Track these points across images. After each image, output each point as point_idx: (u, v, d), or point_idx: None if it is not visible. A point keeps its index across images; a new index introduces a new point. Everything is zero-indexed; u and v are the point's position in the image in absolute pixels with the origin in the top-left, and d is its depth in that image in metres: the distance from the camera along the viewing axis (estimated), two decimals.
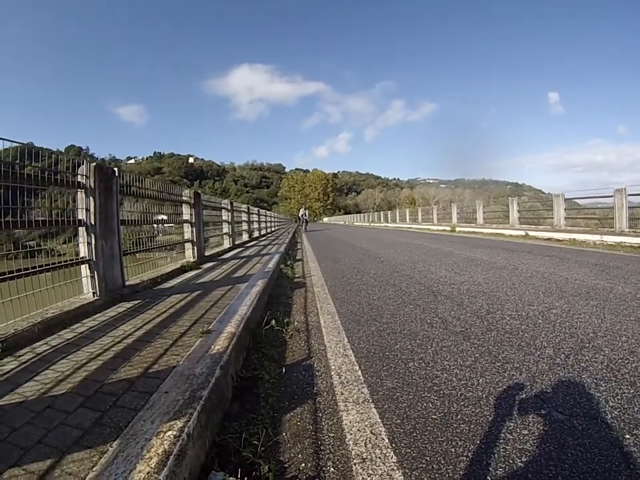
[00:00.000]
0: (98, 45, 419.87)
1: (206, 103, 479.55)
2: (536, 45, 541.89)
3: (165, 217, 7.37)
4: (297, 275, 7.17)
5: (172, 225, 7.76)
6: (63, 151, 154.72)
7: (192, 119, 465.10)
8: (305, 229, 31.69)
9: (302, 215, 34.12)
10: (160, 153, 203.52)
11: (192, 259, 7.55)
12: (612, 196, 13.35)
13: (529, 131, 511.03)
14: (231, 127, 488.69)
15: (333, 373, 2.64)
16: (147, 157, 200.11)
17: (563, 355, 2.84)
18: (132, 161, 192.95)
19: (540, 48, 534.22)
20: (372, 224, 49.76)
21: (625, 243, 11.03)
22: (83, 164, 4.18)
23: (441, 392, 2.34)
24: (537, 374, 2.54)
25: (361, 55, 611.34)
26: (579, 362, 2.71)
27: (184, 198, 7.78)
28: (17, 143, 3.40)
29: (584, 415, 2.05)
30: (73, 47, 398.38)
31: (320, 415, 2.14)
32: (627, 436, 1.86)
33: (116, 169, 4.73)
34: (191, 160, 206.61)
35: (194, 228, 7.86)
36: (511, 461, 1.70)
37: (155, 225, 6.74)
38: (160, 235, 7.53)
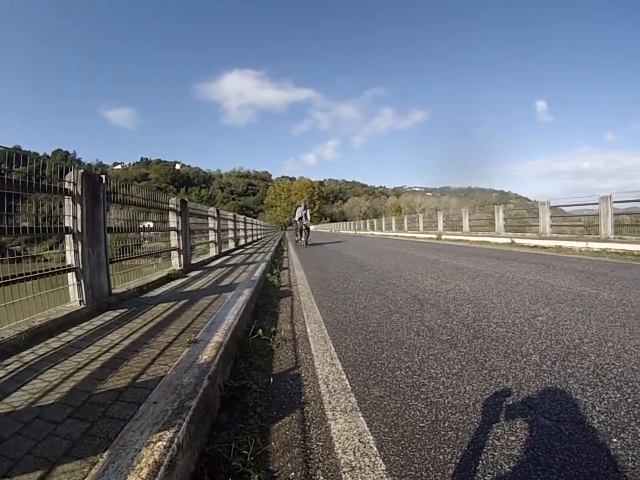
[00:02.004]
0: (90, 46, 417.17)
1: (196, 108, 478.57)
2: (524, 54, 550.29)
3: (151, 224, 7.35)
4: (283, 284, 7.17)
5: (158, 232, 7.73)
6: (50, 155, 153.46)
7: (181, 123, 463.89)
8: (305, 241, 19.19)
9: (300, 219, 19.56)
10: (147, 159, 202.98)
11: (178, 267, 7.53)
12: (597, 203, 13.58)
13: (516, 139, 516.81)
14: (219, 133, 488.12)
15: (320, 382, 2.64)
16: (133, 163, 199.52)
17: (549, 362, 2.88)
18: (119, 167, 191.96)
19: (528, 57, 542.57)
20: (358, 232, 49.89)
21: (610, 249, 11.21)
22: (70, 170, 4.15)
23: (428, 400, 2.36)
24: (523, 381, 2.57)
25: (352, 62, 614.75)
26: (565, 368, 2.76)
27: (170, 205, 7.76)
28: (2, 147, 3.36)
29: (571, 420, 2.08)
30: (63, 48, 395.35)
31: (308, 424, 2.13)
32: (614, 440, 1.89)
33: (103, 175, 4.71)
34: (177, 166, 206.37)
35: (180, 236, 7.83)
36: (499, 467, 1.71)
37: (142, 233, 6.72)
38: (147, 241, 7.51)
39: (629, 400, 2.27)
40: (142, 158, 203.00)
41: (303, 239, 19.44)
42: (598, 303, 4.70)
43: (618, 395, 2.33)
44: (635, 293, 5.23)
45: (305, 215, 19.58)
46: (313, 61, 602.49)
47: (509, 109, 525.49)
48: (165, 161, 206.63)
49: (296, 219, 19.98)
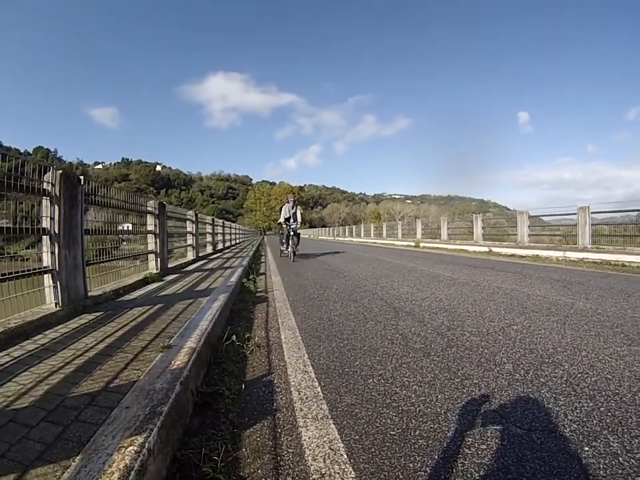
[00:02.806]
0: (77, 44, 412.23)
1: (180, 109, 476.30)
2: (507, 65, 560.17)
3: (129, 225, 7.30)
4: (259, 289, 7.17)
5: (136, 235, 7.68)
6: (31, 152, 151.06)
7: (164, 124, 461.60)
8: (293, 252, 13.77)
9: (287, 219, 14.05)
10: (128, 159, 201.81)
11: (155, 271, 7.47)
12: (575, 214, 13.88)
13: (497, 149, 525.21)
14: (201, 135, 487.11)
15: (292, 389, 2.65)
16: (114, 163, 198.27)
17: (522, 371, 2.91)
18: (99, 166, 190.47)
19: (511, 68, 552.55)
20: (336, 238, 49.91)
21: (587, 259, 11.44)
22: (49, 170, 4.11)
23: (400, 408, 2.36)
24: (495, 390, 2.59)
25: (338, 68, 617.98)
26: (539, 377, 2.78)
27: (148, 208, 7.71)
28: None
29: (542, 428, 2.10)
30: (50, 45, 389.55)
31: (279, 430, 2.14)
32: (586, 448, 1.92)
33: (82, 177, 4.67)
34: (158, 168, 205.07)
35: (158, 239, 7.78)
36: (469, 475, 1.74)
37: (120, 235, 6.67)
38: (125, 243, 7.45)
39: (602, 409, 2.31)
40: (123, 158, 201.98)
41: (289, 249, 13.63)
42: (573, 312, 4.76)
43: (591, 404, 2.36)
44: (611, 302, 5.33)
45: (295, 214, 13.80)
46: (299, 66, 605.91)
47: (491, 119, 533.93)
48: (146, 162, 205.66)
49: (281, 219, 13.82)
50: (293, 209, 14.01)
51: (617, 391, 2.54)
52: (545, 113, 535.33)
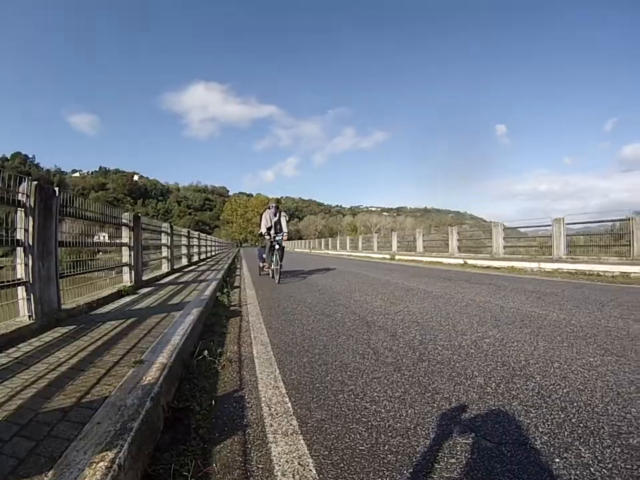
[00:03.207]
0: (58, 49, 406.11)
1: (159, 118, 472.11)
2: (485, 78, 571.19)
3: (105, 235, 7.25)
4: (233, 303, 7.16)
5: (111, 247, 7.62)
6: (9, 158, 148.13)
7: (142, 133, 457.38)
8: (277, 269, 10.75)
9: (269, 229, 11.02)
10: (106, 168, 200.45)
11: (129, 284, 7.39)
12: (550, 225, 14.13)
13: (475, 161, 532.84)
14: (180, 145, 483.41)
15: (263, 405, 2.66)
16: (92, 172, 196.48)
17: (493, 384, 2.91)
18: (77, 175, 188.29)
19: (489, 81, 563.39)
20: (312, 251, 49.92)
21: (562, 269, 11.69)
22: (24, 181, 4.07)
23: (369, 423, 2.37)
24: (466, 403, 2.59)
25: (319, 80, 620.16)
26: (510, 390, 2.79)
27: (123, 221, 7.63)
28: None
29: (513, 441, 2.11)
30: (30, 50, 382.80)
31: (249, 446, 2.15)
32: (557, 460, 1.93)
33: (57, 188, 4.65)
34: (135, 177, 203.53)
35: (132, 251, 7.70)
36: None
37: (94, 247, 6.61)
38: (100, 253, 7.39)
39: (573, 420, 2.33)
40: (101, 167, 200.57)
41: (272, 266, 10.95)
42: (547, 323, 4.82)
43: (562, 415, 2.38)
44: (584, 312, 5.43)
45: (279, 223, 11.03)
46: (280, 77, 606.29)
47: (469, 132, 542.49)
48: (124, 171, 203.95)
49: (262, 230, 11.04)
50: (276, 216, 10.99)
51: (589, 402, 2.58)
52: (522, 126, 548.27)
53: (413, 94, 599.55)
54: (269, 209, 11.13)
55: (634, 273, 10.27)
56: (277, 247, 10.65)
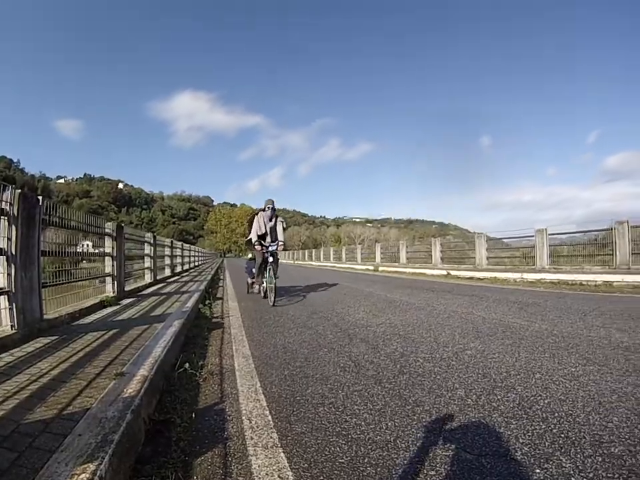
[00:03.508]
0: (44, 52, 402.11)
1: (145, 126, 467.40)
2: (470, 90, 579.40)
3: (89, 243, 7.22)
4: (215, 315, 7.16)
5: (94, 257, 7.58)
6: None
7: (128, 140, 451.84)
8: (271, 287, 8.40)
9: (262, 237, 8.87)
10: (90, 175, 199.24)
11: (112, 294, 7.33)
12: (533, 236, 14.28)
13: (459, 173, 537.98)
14: (165, 154, 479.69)
15: (243, 418, 2.66)
16: (77, 178, 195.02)
17: (474, 396, 2.91)
18: (62, 181, 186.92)
19: (474, 93, 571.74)
20: (296, 262, 49.84)
21: (545, 279, 11.90)
22: (7, 189, 4.05)
23: (349, 436, 2.36)
24: (446, 416, 2.59)
25: (306, 90, 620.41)
26: (490, 402, 2.79)
27: (106, 230, 7.59)
28: None
29: (493, 453, 2.10)
30: (19, 53, 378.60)
31: (230, 459, 2.15)
32: (537, 470, 1.92)
33: (40, 197, 4.63)
34: (120, 185, 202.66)
35: (115, 262, 7.66)
36: None
37: (77, 256, 6.57)
38: (84, 261, 7.35)
39: (554, 430, 2.33)
40: (85, 174, 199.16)
41: (265, 283, 8.95)
42: (528, 334, 4.84)
43: (543, 426, 2.38)
44: (567, 322, 5.51)
45: (274, 229, 8.96)
46: (266, 87, 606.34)
47: (453, 144, 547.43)
48: (109, 179, 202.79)
49: (253, 237, 8.84)
50: (271, 221, 8.88)
51: (571, 412, 2.58)
52: (506, 137, 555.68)
53: (399, 105, 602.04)
54: (263, 211, 8.82)
55: (616, 281, 10.49)
56: (270, 259, 8.52)
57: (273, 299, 8.18)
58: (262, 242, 8.67)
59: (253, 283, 10.16)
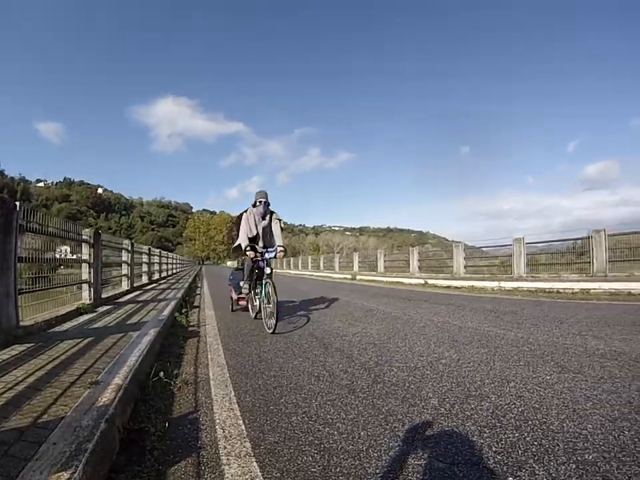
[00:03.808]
0: (26, 52, 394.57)
1: (127, 130, 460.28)
2: (449, 100, 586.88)
3: (67, 248, 7.14)
4: (191, 324, 7.11)
5: (71, 263, 7.49)
6: None
7: (110, 145, 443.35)
8: (268, 307, 6.38)
9: (253, 242, 6.96)
10: (70, 179, 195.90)
11: (88, 301, 7.22)
12: (511, 245, 14.41)
13: (438, 181, 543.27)
14: (146, 159, 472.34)
15: (217, 427, 2.66)
16: (56, 182, 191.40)
17: (447, 405, 2.90)
18: (41, 184, 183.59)
19: (453, 103, 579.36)
20: (274, 270, 49.66)
21: (522, 287, 11.98)
22: None
23: (322, 445, 2.36)
24: (419, 425, 2.58)
25: (285, 100, 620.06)
26: (464, 411, 2.78)
27: (83, 237, 7.49)
28: None
29: (465, 462, 2.09)
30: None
31: (203, 468, 2.15)
32: (510, 478, 1.92)
33: (17, 202, 4.60)
34: (100, 190, 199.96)
35: (92, 269, 7.54)
36: None
37: (54, 263, 6.50)
38: (62, 267, 7.26)
39: (527, 438, 2.33)
40: (65, 178, 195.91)
41: (257, 302, 7.29)
42: (504, 343, 4.85)
43: (516, 435, 2.38)
44: (543, 330, 5.56)
45: (270, 229, 7.29)
46: (248, 95, 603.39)
47: (433, 152, 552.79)
48: (88, 184, 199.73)
49: (242, 241, 6.92)
50: (264, 219, 7.14)
51: (544, 420, 2.59)
52: (486, 147, 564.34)
53: (381, 115, 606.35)
54: (254, 206, 7.02)
55: (593, 289, 10.67)
56: (267, 270, 6.58)
57: (273, 324, 6.00)
58: (254, 247, 6.81)
59: (239, 299, 8.32)
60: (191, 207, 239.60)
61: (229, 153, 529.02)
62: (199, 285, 18.70)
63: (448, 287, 14.56)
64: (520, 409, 2.79)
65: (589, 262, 12.41)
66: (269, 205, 7.07)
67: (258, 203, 6.97)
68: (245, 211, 7.11)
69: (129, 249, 11.81)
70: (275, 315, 6.00)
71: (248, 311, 7.89)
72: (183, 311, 7.94)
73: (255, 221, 7.03)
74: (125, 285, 11.34)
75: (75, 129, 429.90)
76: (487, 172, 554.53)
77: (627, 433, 2.38)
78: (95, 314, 6.60)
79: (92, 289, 7.52)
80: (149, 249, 16.82)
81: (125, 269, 11.53)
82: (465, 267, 16.65)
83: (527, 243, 14.17)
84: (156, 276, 18.48)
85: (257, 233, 7.04)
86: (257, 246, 6.87)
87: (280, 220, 7.22)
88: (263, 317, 6.65)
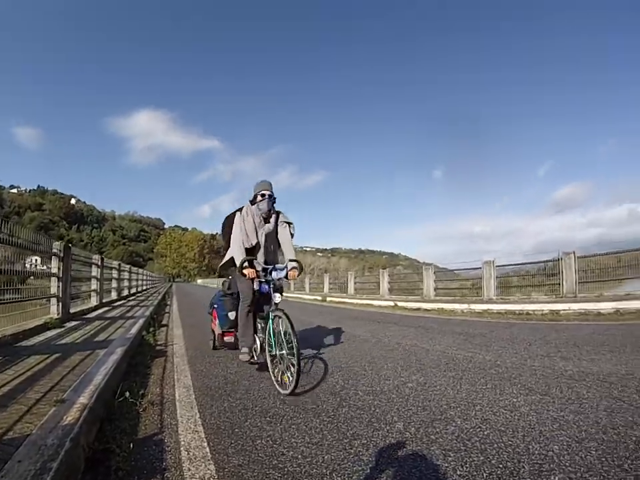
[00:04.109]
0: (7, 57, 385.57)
1: (103, 141, 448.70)
2: (421, 124, 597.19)
3: (38, 258, 7.03)
4: (159, 342, 7.02)
5: (41, 275, 7.38)
6: None
7: (85, 155, 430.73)
8: (288, 365, 3.95)
9: (251, 261, 4.57)
10: (44, 187, 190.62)
11: (56, 316, 7.09)
12: (480, 268, 14.47)
13: (410, 204, 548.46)
14: (120, 172, 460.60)
15: (182, 449, 2.63)
16: (30, 190, 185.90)
17: (413, 429, 2.86)
18: (15, 191, 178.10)
19: (424, 127, 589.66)
20: None
21: (492, 309, 11.89)
22: None
23: (286, 469, 2.33)
24: (384, 449, 2.55)
25: (263, 118, 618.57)
26: (429, 434, 2.75)
27: (54, 250, 7.40)
28: None
29: None
30: None
31: None
32: None
33: None
34: (73, 201, 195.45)
35: (61, 282, 7.43)
36: None
37: (22, 275, 6.40)
38: (32, 277, 7.14)
39: (493, 461, 2.30)
40: (39, 186, 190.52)
41: (256, 343, 4.80)
42: (472, 366, 4.81)
43: (481, 458, 2.35)
44: (511, 352, 5.53)
45: (274, 237, 5.02)
46: (225, 111, 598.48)
47: (405, 176, 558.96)
48: (62, 193, 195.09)
49: (235, 254, 4.68)
50: (268, 222, 5.01)
51: (510, 442, 2.57)
52: (458, 170, 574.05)
53: (357, 138, 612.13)
54: (255, 202, 4.89)
55: (563, 310, 10.64)
56: (276, 299, 4.42)
57: (293, 382, 3.81)
58: (253, 263, 4.67)
59: (225, 333, 5.60)
60: (163, 223, 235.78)
61: (203, 169, 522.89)
62: (168, 302, 18.38)
63: (418, 309, 14.30)
64: (485, 432, 2.76)
65: (559, 283, 12.56)
66: (275, 200, 4.89)
67: (260, 198, 4.77)
68: (239, 210, 4.90)
69: (99, 263, 11.64)
70: (296, 370, 3.73)
71: (247, 359, 4.81)
72: (151, 329, 7.83)
73: (255, 224, 4.79)
74: (94, 301, 11.15)
75: (52, 136, 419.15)
76: (460, 194, 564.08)
77: (593, 452, 2.39)
78: (62, 329, 6.50)
79: (60, 303, 7.39)
80: (119, 264, 16.60)
81: (94, 284, 11.34)
82: (435, 289, 16.58)
83: (497, 266, 14.27)
84: (125, 292, 18.19)
85: (258, 242, 4.79)
86: (257, 261, 4.72)
87: (290, 224, 5.04)
88: (269, 367, 4.35)
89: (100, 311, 10.46)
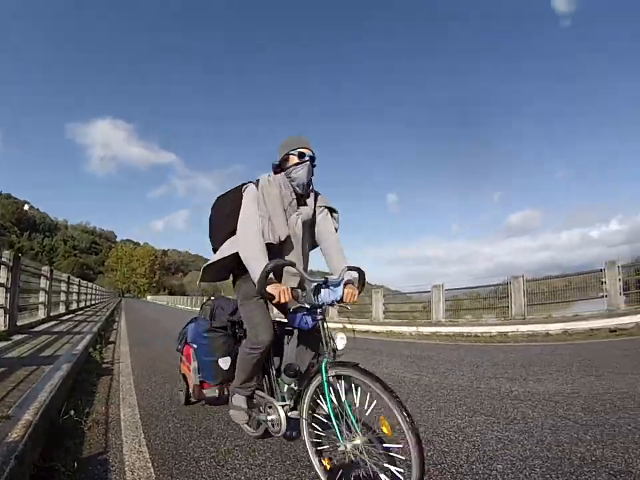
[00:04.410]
0: None
1: (63, 147, 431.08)
2: (377, 146, 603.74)
3: None
4: (105, 360, 6.84)
5: None
6: None
7: (42, 160, 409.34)
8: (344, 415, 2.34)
9: (269, 267, 2.23)
10: None
11: (3, 328, 6.88)
12: (429, 291, 14.68)
13: (362, 227, 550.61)
14: (76, 181, 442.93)
15: (126, 469, 2.60)
16: None
17: None
18: None
19: (379, 150, 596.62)
20: (194, 308, 48.47)
21: (440, 332, 12.00)
22: None
23: None
24: None
25: (219, 137, 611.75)
26: None
27: (3, 259, 7.18)
28: None
29: None
30: None
31: None
32: None
33: None
34: (26, 207, 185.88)
35: (9, 293, 7.20)
36: None
37: None
38: None
39: None
40: None
41: (279, 414, 2.64)
42: (417, 388, 4.78)
43: (425, 479, 2.31)
44: (457, 374, 5.53)
45: (313, 225, 2.94)
46: (185, 127, 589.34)
47: (358, 200, 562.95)
48: (16, 198, 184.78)
49: (246, 256, 2.50)
50: (307, 204, 2.86)
51: (454, 463, 2.58)
52: (412, 195, 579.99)
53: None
54: (284, 169, 2.77)
55: (511, 331, 10.95)
56: (340, 343, 2.55)
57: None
58: (285, 272, 2.78)
59: (203, 384, 3.50)
60: (115, 236, 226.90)
61: (159, 184, 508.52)
62: (117, 319, 17.86)
63: (366, 331, 14.29)
64: (429, 454, 2.71)
65: (508, 306, 12.92)
66: (312, 167, 2.81)
67: (296, 160, 2.73)
68: (255, 183, 2.83)
69: (48, 275, 11.26)
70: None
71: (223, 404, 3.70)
72: (98, 346, 7.64)
73: (284, 205, 2.77)
74: (41, 314, 10.74)
75: (10, 137, 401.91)
76: (413, 219, 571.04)
77: (537, 470, 2.43)
78: (8, 342, 6.29)
79: (7, 315, 7.13)
80: (69, 277, 16.13)
81: (42, 297, 10.95)
82: (384, 311, 16.65)
83: (446, 289, 14.55)
84: (74, 306, 17.56)
85: (288, 236, 2.76)
86: (292, 269, 2.53)
87: (334, 212, 3.10)
88: (307, 443, 2.53)
89: (48, 324, 10.08)
